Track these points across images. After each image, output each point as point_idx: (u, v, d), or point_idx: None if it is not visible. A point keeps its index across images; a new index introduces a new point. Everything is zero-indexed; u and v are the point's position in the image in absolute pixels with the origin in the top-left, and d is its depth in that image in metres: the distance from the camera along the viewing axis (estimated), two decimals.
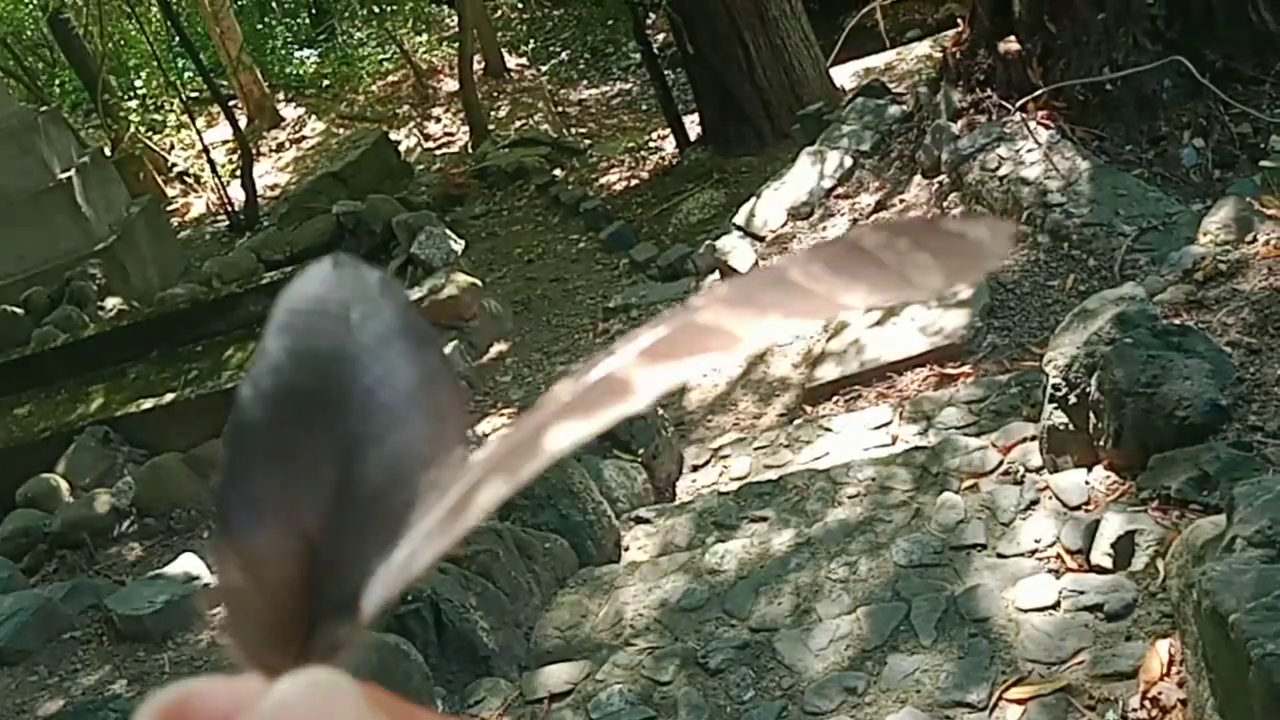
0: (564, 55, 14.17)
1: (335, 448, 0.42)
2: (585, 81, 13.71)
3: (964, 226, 0.50)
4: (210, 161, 11.05)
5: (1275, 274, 3.37)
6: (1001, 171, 5.48)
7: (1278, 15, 4.97)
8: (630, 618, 3.50)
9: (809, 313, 0.46)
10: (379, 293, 0.44)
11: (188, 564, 4.98)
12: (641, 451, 4.66)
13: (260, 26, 14.89)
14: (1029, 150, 5.41)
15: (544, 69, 14.02)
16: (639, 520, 4.29)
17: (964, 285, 0.45)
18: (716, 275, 6.64)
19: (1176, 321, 3.36)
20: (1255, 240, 3.58)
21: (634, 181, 9.97)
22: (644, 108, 12.45)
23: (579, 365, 0.43)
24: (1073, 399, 3.32)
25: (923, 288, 0.47)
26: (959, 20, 6.46)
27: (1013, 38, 5.64)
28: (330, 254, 0.44)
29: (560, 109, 12.73)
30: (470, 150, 11.32)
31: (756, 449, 4.88)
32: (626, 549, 4.16)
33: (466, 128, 11.74)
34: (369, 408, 0.43)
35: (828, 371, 5.31)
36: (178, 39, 11.44)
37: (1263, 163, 3.68)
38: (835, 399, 5.17)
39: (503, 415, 6.23)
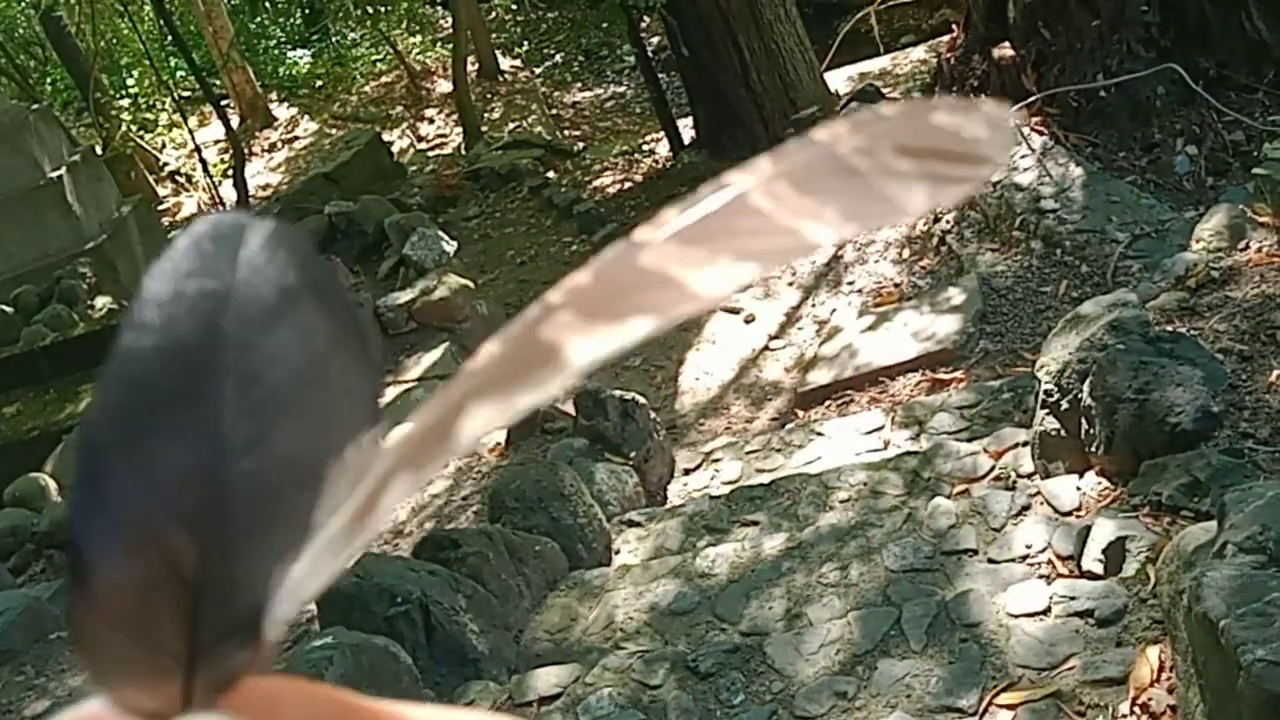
0: (558, 57, 14.17)
1: (209, 449, 0.36)
2: (579, 84, 13.72)
3: (958, 120, 0.42)
4: (202, 161, 11.02)
5: (1267, 281, 3.37)
6: (995, 177, 5.48)
7: (1271, 24, 4.98)
8: (621, 621, 3.49)
9: (771, 251, 0.40)
10: (265, 252, 0.38)
11: None
12: (633, 455, 4.65)
13: (253, 26, 14.85)
14: (1023, 156, 5.42)
15: (538, 71, 14.02)
16: (630, 524, 4.28)
17: (952, 199, 0.37)
18: None
19: (1169, 328, 3.36)
20: (1247, 247, 3.59)
21: (627, 184, 9.96)
22: (638, 111, 12.46)
23: (509, 322, 0.37)
24: (1065, 405, 3.32)
25: (904, 208, 0.41)
26: (954, 26, 6.48)
27: (1007, 44, 5.65)
28: (206, 217, 0.37)
29: (554, 111, 12.73)
30: (463, 152, 11.31)
31: (748, 453, 4.87)
32: (617, 552, 4.15)
33: (460, 129, 11.73)
34: (251, 396, 0.36)
35: (820, 376, 5.31)
36: (170, 38, 11.41)
37: (1255, 170, 3.68)
38: (827, 403, 5.17)
39: None
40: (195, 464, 0.35)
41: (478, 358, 0.36)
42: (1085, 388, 3.20)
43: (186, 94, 12.83)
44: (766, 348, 5.98)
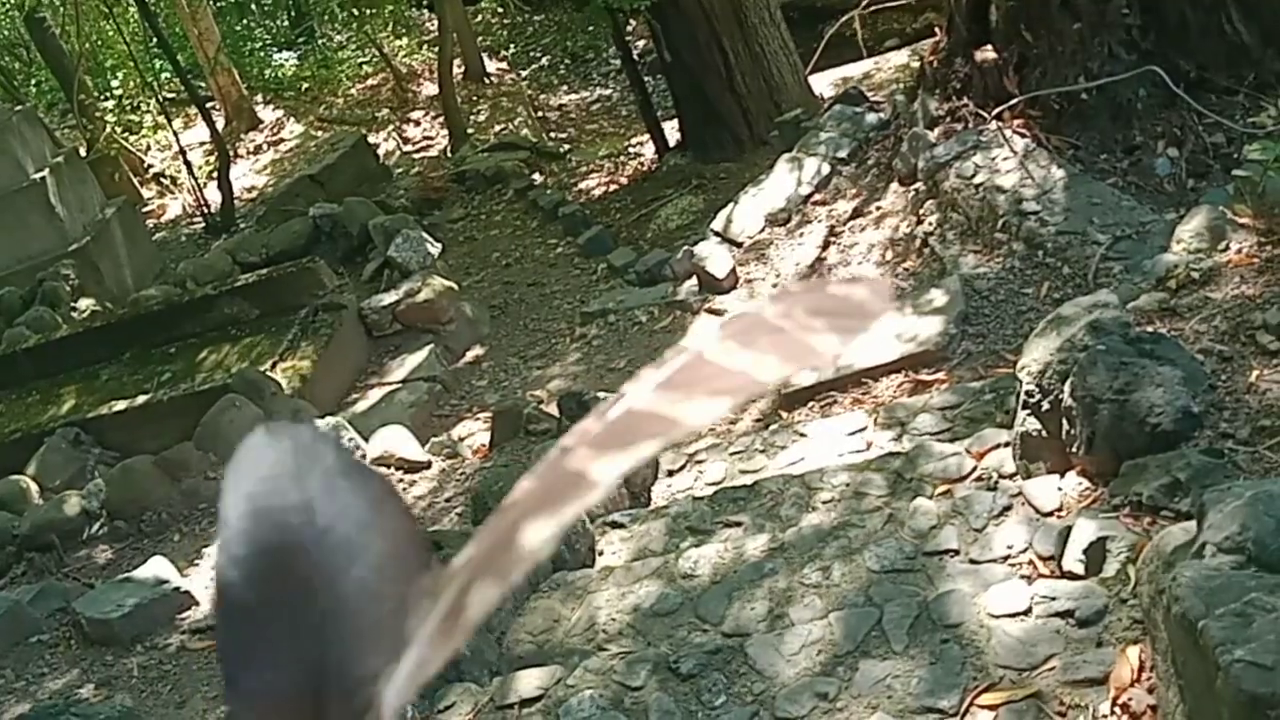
0: (544, 60, 14.16)
1: (311, 592, 0.48)
2: (565, 87, 13.71)
3: (848, 290, 0.58)
4: (187, 163, 10.97)
5: (1247, 282, 3.39)
6: (977, 180, 5.49)
7: (1251, 27, 5.00)
8: (603, 623, 3.48)
9: (733, 391, 0.51)
10: (314, 444, 0.51)
11: (157, 568, 4.94)
12: None
13: (239, 28, 14.80)
14: (1005, 159, 5.43)
15: (524, 74, 14.01)
16: (613, 525, 4.27)
17: (853, 340, 0.52)
18: (694, 281, 6.64)
19: (1150, 329, 3.37)
20: (1228, 249, 3.60)
21: (613, 187, 9.96)
22: (623, 113, 12.46)
23: (549, 450, 0.50)
24: (1046, 405, 3.32)
25: (822, 351, 0.54)
26: (936, 29, 6.49)
27: (989, 47, 5.66)
28: (263, 424, 0.51)
29: (540, 114, 12.71)
30: (449, 154, 11.28)
31: (732, 454, 4.87)
32: (600, 553, 4.15)
33: (445, 131, 11.70)
34: (328, 545, 0.48)
35: (803, 378, 5.31)
36: (155, 39, 11.35)
37: (1235, 172, 3.70)
38: (811, 405, 5.17)
39: (478, 420, 6.20)
40: (306, 603, 0.48)
41: (516, 491, 0.48)
42: (1066, 388, 3.20)
43: (171, 96, 12.76)
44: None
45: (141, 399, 6.51)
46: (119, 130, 11.94)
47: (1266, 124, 4.18)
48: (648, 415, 0.50)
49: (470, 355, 7.19)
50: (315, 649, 0.48)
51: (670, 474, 4.95)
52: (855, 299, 0.57)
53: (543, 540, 0.47)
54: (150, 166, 12.27)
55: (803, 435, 4.78)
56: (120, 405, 6.49)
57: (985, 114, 5.58)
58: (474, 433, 5.98)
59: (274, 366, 6.50)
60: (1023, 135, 5.43)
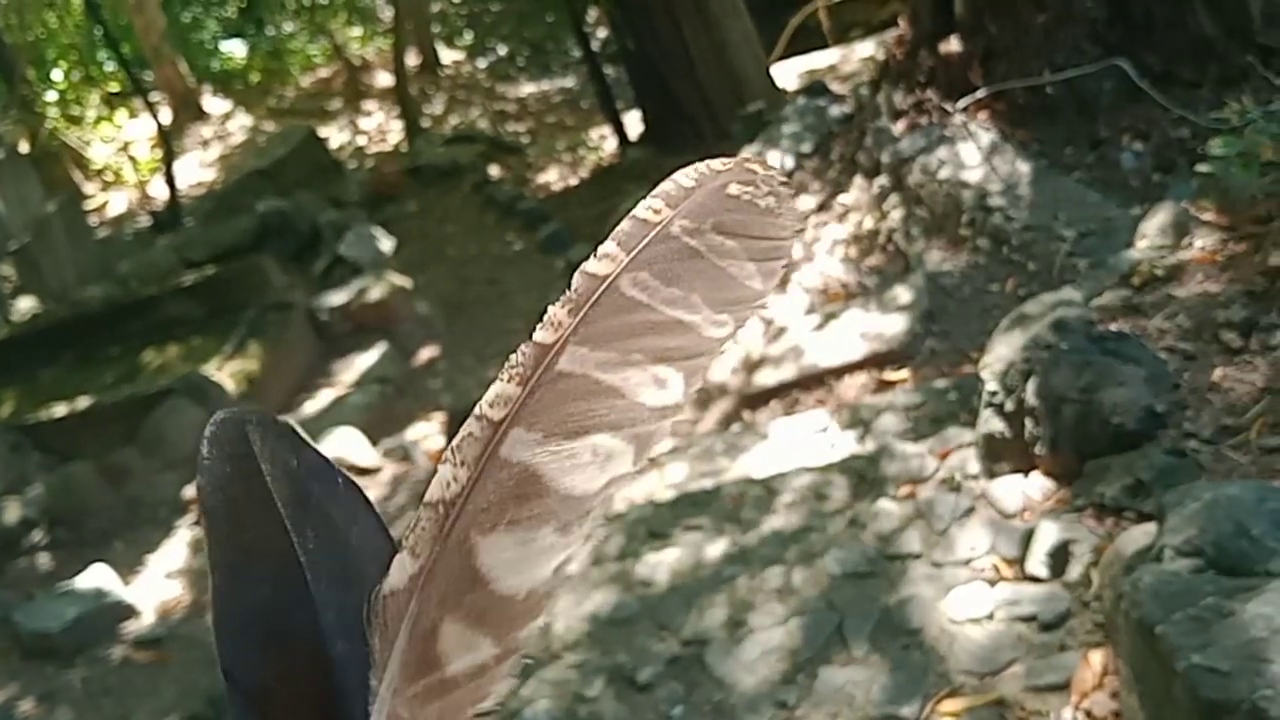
0: (502, 50, 14.02)
1: (302, 581, 0.47)
2: (524, 77, 13.58)
3: (749, 190, 0.49)
4: (131, 158, 10.74)
5: (1210, 279, 3.34)
6: (942, 174, 5.44)
7: (1216, 21, 4.98)
8: (559, 631, 3.41)
9: (680, 350, 0.46)
10: (281, 428, 0.50)
11: (99, 577, 4.81)
12: None
13: (186, 18, 14.52)
14: (970, 153, 5.39)
15: (481, 64, 13.86)
16: None
17: (777, 278, 0.50)
18: None
19: (1113, 327, 3.33)
20: (1191, 245, 3.56)
21: (573, 181, 9.87)
22: (584, 105, 12.36)
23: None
24: (1009, 405, 3.28)
25: (752, 295, 0.48)
26: (901, 20, 6.44)
27: (954, 39, 5.62)
28: (222, 410, 0.50)
29: (497, 106, 12.58)
30: (404, 148, 11.14)
31: (693, 456, 4.80)
32: None
33: (400, 124, 11.55)
34: (316, 531, 0.48)
35: (766, 377, 5.25)
36: (99, 30, 11.10)
37: (1199, 167, 3.66)
38: (773, 404, 5.11)
39: (432, 422, 6.09)
40: (307, 658, 0.47)
41: (440, 482, 0.46)
42: (1029, 388, 3.15)
43: (116, 89, 12.50)
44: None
45: (83, 402, 6.35)
46: (61, 124, 11.69)
47: (1231, 119, 4.14)
48: (590, 382, 0.45)
49: (424, 355, 7.07)
50: (313, 643, 0.47)
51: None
52: (760, 204, 0.49)
53: (515, 571, 0.45)
54: (94, 161, 12.02)
55: (765, 436, 4.72)
56: (61, 409, 6.33)
57: (950, 107, 5.54)
58: (428, 436, 5.88)
59: (220, 368, 6.36)
60: (988, 129, 5.40)
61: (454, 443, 0.46)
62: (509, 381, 0.46)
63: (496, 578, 0.45)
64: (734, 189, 0.49)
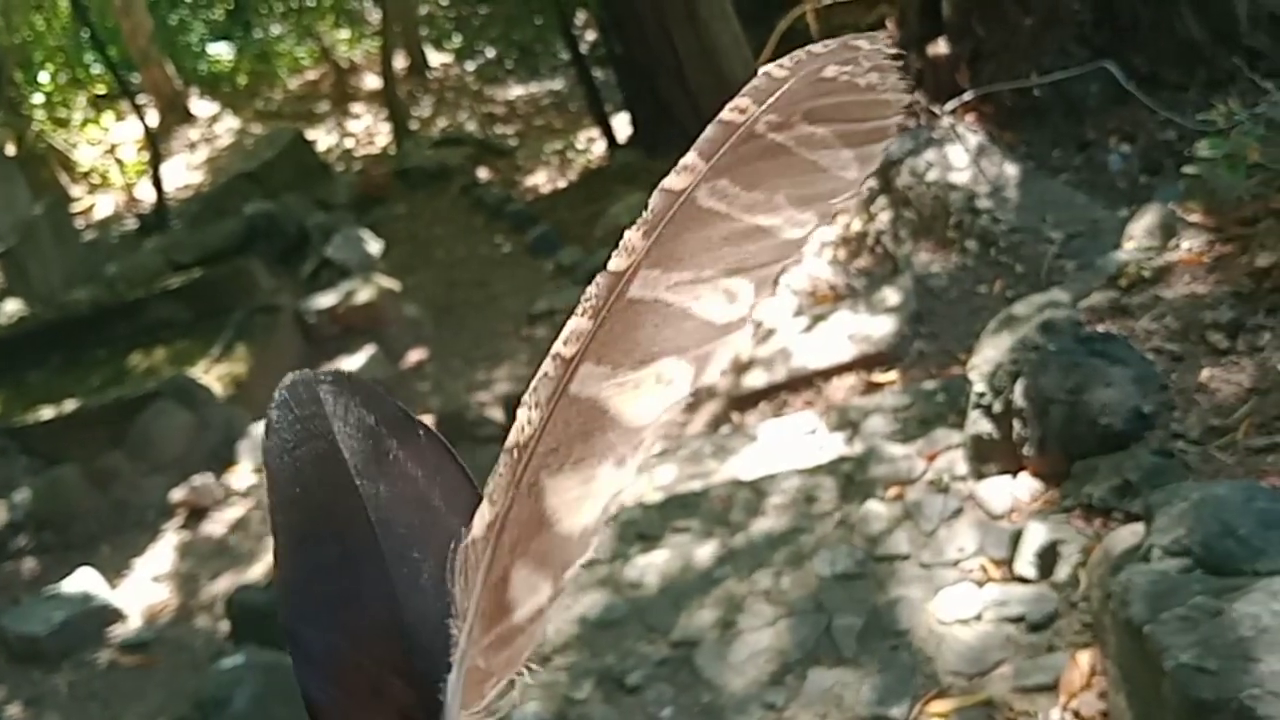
0: (490, 53, 14.01)
1: (375, 547, 0.46)
2: (513, 80, 13.57)
3: (848, 70, 0.45)
4: (118, 160, 10.70)
5: (1198, 280, 3.36)
6: (930, 176, 5.46)
7: (1202, 24, 5.02)
8: (549, 633, 3.39)
9: (758, 260, 0.44)
10: (343, 404, 0.48)
11: (86, 581, 4.78)
12: None
13: (173, 21, 14.48)
14: (957, 155, 5.41)
15: (470, 67, 13.85)
16: None
17: (877, 160, 0.45)
18: None
19: (1100, 328, 3.34)
20: (1178, 247, 3.58)
21: (561, 184, 9.86)
22: (573, 108, 12.36)
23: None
24: (997, 406, 3.28)
25: (846, 182, 0.44)
26: (888, 23, 6.46)
27: (941, 41, 5.64)
28: (285, 384, 0.49)
29: (486, 108, 12.57)
30: (392, 150, 11.12)
31: (682, 458, 4.80)
32: None
33: (388, 127, 11.54)
34: (393, 539, 0.46)
35: (755, 379, 5.26)
36: (86, 32, 11.06)
37: (1185, 169, 3.68)
38: (762, 406, 5.12)
39: None
40: (378, 617, 0.45)
41: (521, 423, 0.44)
42: (1017, 389, 3.16)
43: (102, 90, 12.45)
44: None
45: (70, 405, 6.32)
46: (48, 126, 11.64)
47: (1217, 121, 4.16)
48: (660, 306, 0.44)
49: (413, 358, 7.05)
50: (383, 601, 0.46)
51: None
52: (860, 82, 0.46)
53: (575, 511, 0.45)
54: (80, 164, 11.97)
55: (754, 438, 4.72)
56: (47, 412, 6.30)
57: (938, 110, 5.56)
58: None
59: (207, 371, 6.33)
60: (975, 131, 5.42)
61: (531, 384, 0.45)
62: (583, 315, 0.45)
63: (559, 519, 0.45)
64: (830, 71, 0.46)
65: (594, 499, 0.45)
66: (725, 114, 0.46)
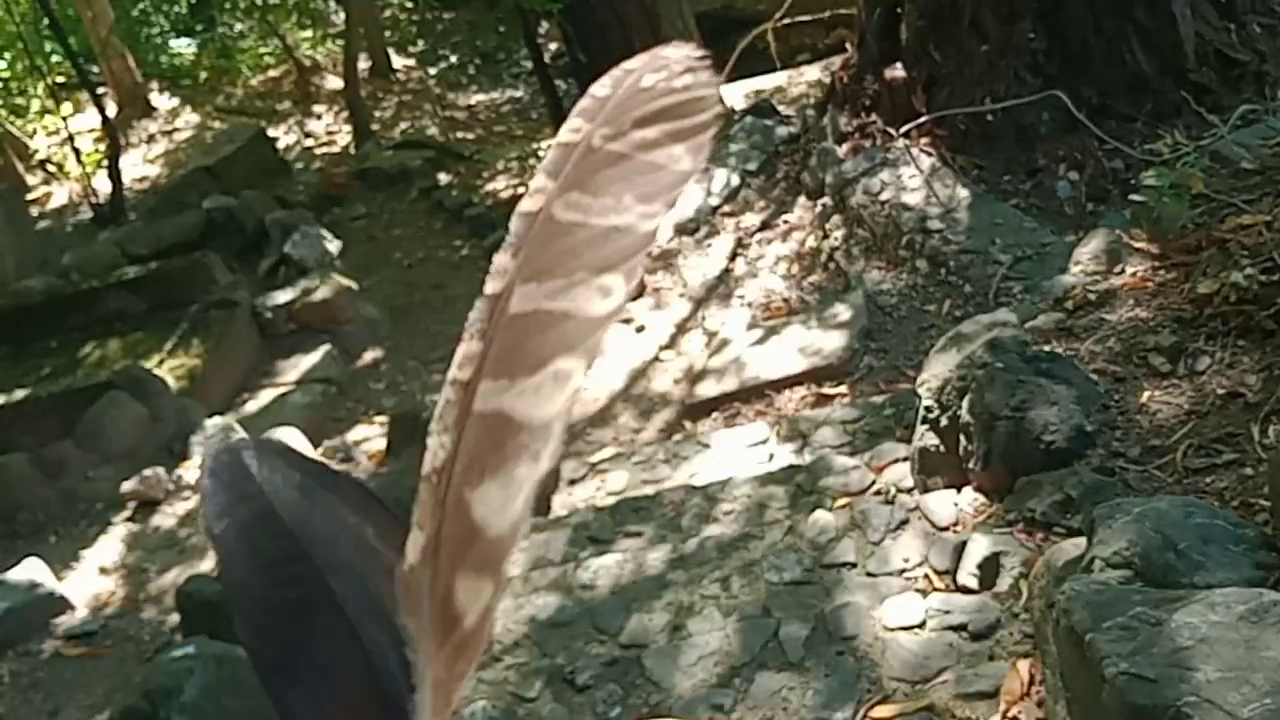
0: (453, 59, 13.99)
1: (329, 595, 0.49)
2: (475, 86, 13.56)
3: (662, 76, 0.50)
4: (75, 150, 10.55)
5: (1141, 305, 3.47)
6: (883, 196, 5.56)
7: (1151, 57, 5.14)
8: (499, 632, 3.42)
9: (620, 257, 0.47)
10: (275, 449, 0.52)
11: (32, 570, 4.73)
12: None
13: (135, 12, 14.29)
14: (911, 176, 5.51)
15: (432, 72, 13.82)
16: None
17: (706, 149, 0.50)
18: None
19: (1047, 348, 3.43)
20: (1123, 272, 3.69)
21: (521, 189, 9.84)
22: (534, 116, 12.38)
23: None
24: (944, 421, 3.36)
25: (682, 172, 0.48)
26: (848, 45, 6.56)
27: (899, 65, 5.74)
28: (219, 436, 0.57)
29: (447, 113, 12.55)
30: (352, 151, 11.07)
31: (635, 464, 4.84)
32: None
33: (349, 127, 11.48)
34: (326, 545, 0.50)
35: (708, 388, 5.32)
36: (46, 20, 10.90)
37: (1132, 197, 3.80)
38: (715, 415, 5.17)
39: (374, 424, 6.06)
40: (344, 653, 0.48)
41: (433, 451, 0.47)
42: (964, 405, 3.24)
43: (61, 80, 12.26)
44: (656, 358, 5.97)
45: (19, 394, 6.23)
46: (4, 114, 11.45)
47: (1163, 151, 4.29)
48: (542, 315, 0.47)
49: (368, 357, 7.04)
50: (354, 650, 0.48)
51: (572, 483, 4.90)
52: (676, 85, 0.50)
53: (502, 513, 0.46)
54: (36, 152, 11.78)
55: (706, 446, 4.77)
56: None
57: (893, 132, 5.66)
58: (370, 438, 5.85)
59: (161, 364, 6.28)
60: (929, 154, 5.52)
61: (436, 412, 0.48)
62: (471, 340, 0.48)
63: (489, 524, 0.47)
64: (648, 80, 0.51)
65: (517, 495, 0.47)
66: (562, 135, 0.49)
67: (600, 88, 0.50)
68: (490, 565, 0.48)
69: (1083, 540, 2.50)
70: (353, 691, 0.48)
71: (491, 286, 0.48)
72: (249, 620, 0.50)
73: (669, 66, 0.51)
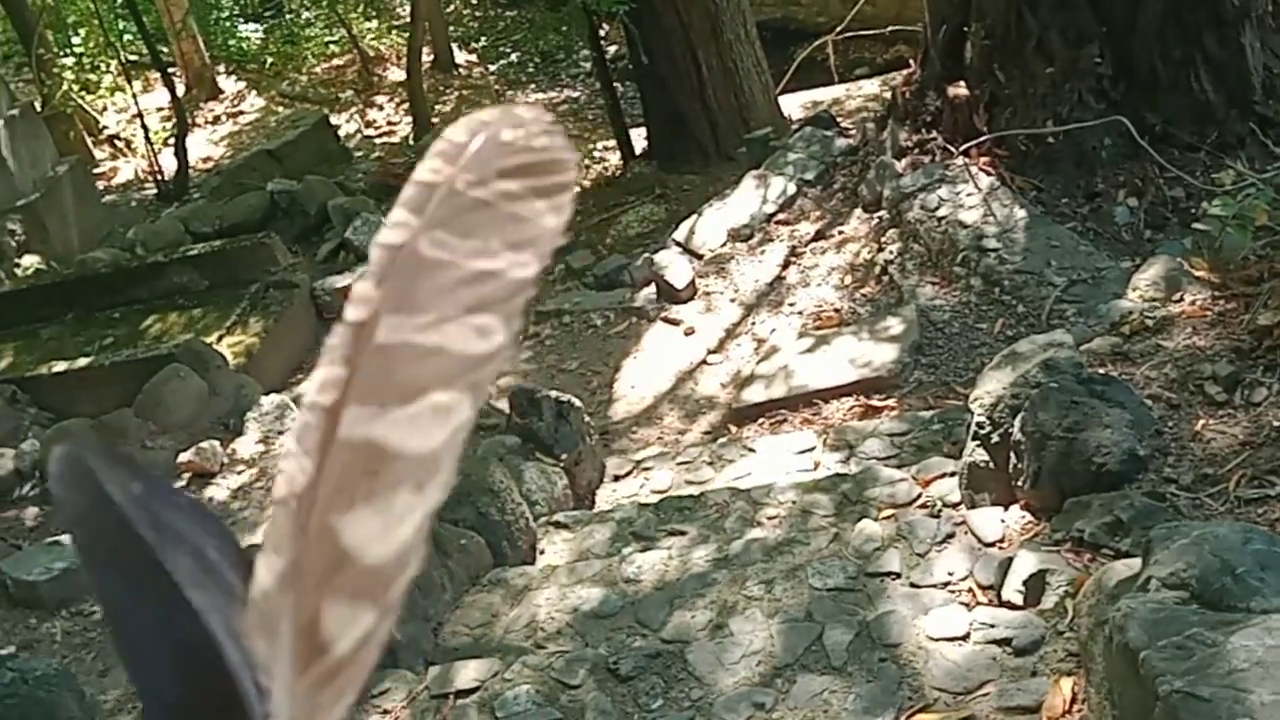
0: (514, 56, 14.10)
1: (185, 600, 0.48)
2: (533, 85, 13.65)
3: (520, 134, 0.50)
4: (144, 127, 10.75)
5: (1199, 333, 3.47)
6: (941, 212, 5.57)
7: (1218, 87, 5.12)
8: (542, 620, 3.47)
9: (496, 300, 0.48)
10: (120, 459, 0.51)
11: None
12: (565, 457, 4.64)
13: None
14: (969, 194, 5.52)
15: (493, 68, 13.94)
16: (557, 525, 4.27)
17: (568, 211, 0.52)
18: (653, 288, 6.65)
19: (1102, 371, 3.44)
20: (1182, 299, 3.69)
21: (575, 189, 9.91)
22: (590, 117, 12.44)
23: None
24: (995, 438, 3.38)
25: (546, 230, 0.49)
26: (910, 61, 6.57)
27: (962, 83, 5.75)
28: (62, 444, 0.52)
29: None
30: (411, 141, 11.19)
31: (679, 464, 4.88)
32: (542, 552, 4.14)
33: (409, 119, 11.60)
34: (177, 550, 0.49)
35: (755, 394, 5.35)
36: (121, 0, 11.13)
37: (1195, 225, 3.80)
38: (761, 421, 5.20)
39: None
40: (211, 669, 0.48)
41: (286, 477, 0.47)
42: (1016, 423, 3.25)
43: (133, 58, 12.49)
44: (704, 362, 6.01)
45: (82, 361, 6.38)
46: (76, 88, 11.68)
47: (1226, 182, 4.29)
48: (412, 347, 0.46)
49: None
50: (212, 653, 0.48)
51: (616, 479, 4.96)
52: (535, 144, 0.51)
53: (381, 541, 0.46)
54: (105, 128, 12.01)
55: (751, 450, 4.81)
56: (60, 366, 6.36)
57: (953, 149, 5.67)
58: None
59: (220, 339, 6.40)
60: (988, 173, 5.52)
61: (293, 436, 0.47)
62: (332, 364, 0.47)
63: (365, 551, 0.46)
64: (507, 135, 0.51)
65: (400, 524, 0.47)
66: (420, 174, 0.50)
67: (457, 133, 0.50)
68: (368, 594, 0.47)
69: (1135, 561, 2.52)
70: (205, 673, 0.48)
71: (352, 313, 0.47)
72: (108, 609, 0.51)
73: (526, 126, 0.51)
